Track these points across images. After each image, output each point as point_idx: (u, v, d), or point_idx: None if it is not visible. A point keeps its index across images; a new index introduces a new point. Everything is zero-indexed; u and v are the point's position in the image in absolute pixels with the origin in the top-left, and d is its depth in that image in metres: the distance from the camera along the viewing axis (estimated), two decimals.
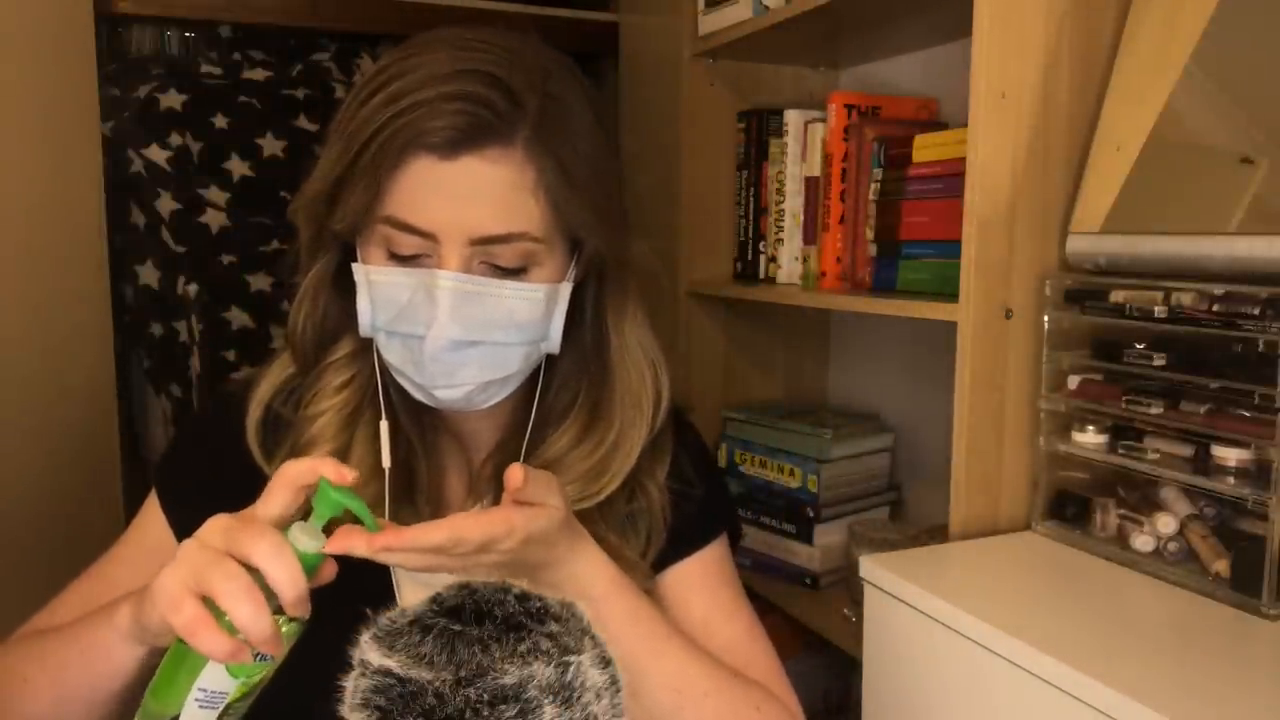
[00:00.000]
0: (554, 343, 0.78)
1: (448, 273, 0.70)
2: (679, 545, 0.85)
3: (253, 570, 0.56)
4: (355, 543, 0.59)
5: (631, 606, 0.75)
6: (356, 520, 0.61)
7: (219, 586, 0.55)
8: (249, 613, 0.55)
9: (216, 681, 0.59)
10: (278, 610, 0.57)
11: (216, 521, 0.59)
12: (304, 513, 0.62)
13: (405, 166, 0.69)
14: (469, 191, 0.69)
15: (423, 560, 0.62)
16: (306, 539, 0.59)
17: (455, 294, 0.71)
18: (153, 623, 0.61)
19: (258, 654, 0.57)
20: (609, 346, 0.83)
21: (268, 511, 0.61)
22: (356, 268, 0.75)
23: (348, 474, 0.61)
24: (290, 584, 0.56)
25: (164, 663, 0.60)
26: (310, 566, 0.58)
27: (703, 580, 0.87)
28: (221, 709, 0.60)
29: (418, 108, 0.67)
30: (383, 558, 0.61)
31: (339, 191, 0.71)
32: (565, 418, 0.82)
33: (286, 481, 0.61)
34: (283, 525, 0.60)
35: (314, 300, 0.79)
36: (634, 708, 0.72)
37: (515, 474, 0.64)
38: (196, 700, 0.59)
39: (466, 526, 0.62)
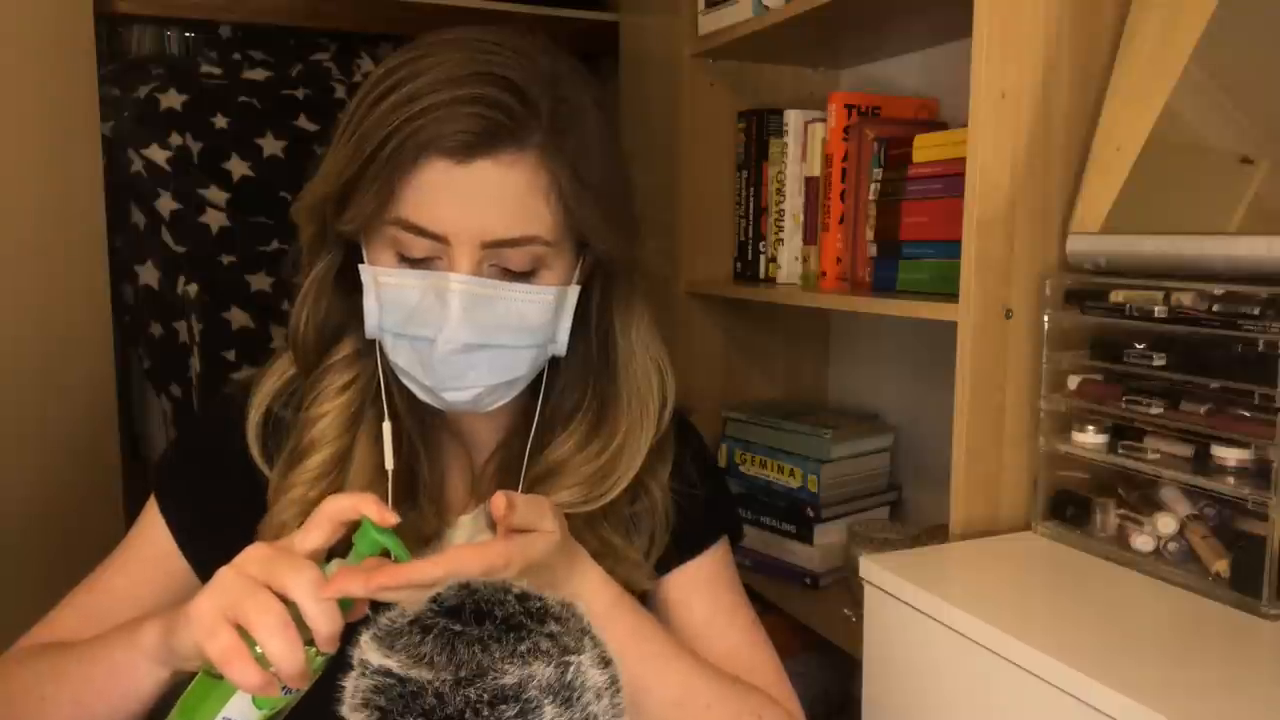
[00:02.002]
0: (561, 345, 0.78)
1: (459, 275, 0.70)
2: (682, 548, 0.86)
3: (288, 603, 0.56)
4: (351, 585, 0.59)
5: (634, 624, 0.75)
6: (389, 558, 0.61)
7: (255, 618, 0.55)
8: (284, 648, 0.55)
9: (242, 712, 0.59)
10: (307, 643, 0.57)
11: (255, 550, 0.59)
12: (342, 547, 0.62)
13: (419, 169, 0.68)
14: (482, 195, 0.69)
15: (420, 596, 0.62)
16: None
17: (466, 297, 0.70)
18: (184, 646, 0.60)
19: (284, 686, 0.57)
20: (616, 349, 0.82)
21: (305, 544, 0.61)
22: (364, 269, 0.74)
23: (391, 517, 0.61)
24: (326, 621, 0.56)
25: (191, 688, 0.60)
26: (345, 604, 0.58)
27: (705, 584, 0.87)
28: None
29: (432, 110, 0.67)
30: (381, 596, 0.61)
31: (349, 193, 0.71)
32: (571, 420, 0.82)
33: (328, 516, 0.61)
34: (318, 558, 0.61)
35: (316, 300, 0.79)
36: None
37: (499, 503, 0.64)
38: None
39: (464, 560, 0.62)
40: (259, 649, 0.55)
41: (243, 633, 0.56)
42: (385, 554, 0.62)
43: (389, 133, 0.67)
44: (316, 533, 0.61)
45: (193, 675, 0.61)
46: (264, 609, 0.55)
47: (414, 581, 0.60)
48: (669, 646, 0.77)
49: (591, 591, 0.72)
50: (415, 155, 0.68)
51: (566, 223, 0.73)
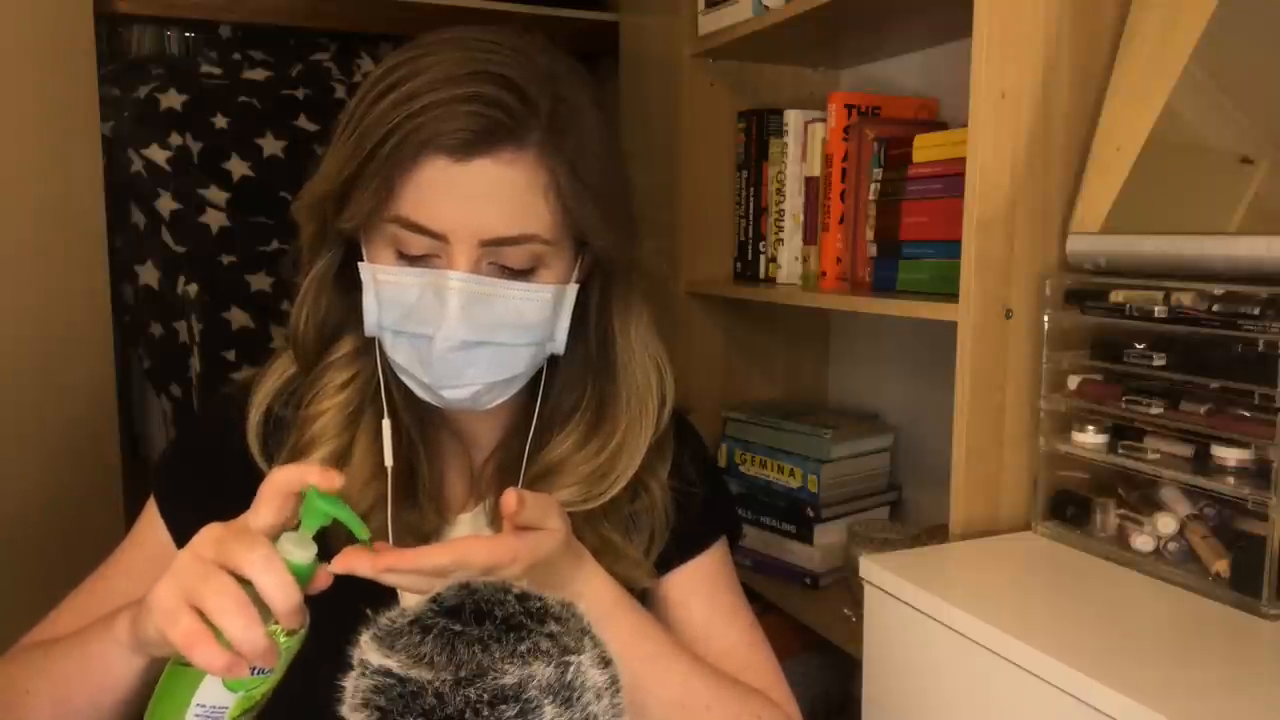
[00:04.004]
0: (560, 344, 0.78)
1: (458, 273, 0.70)
2: (682, 547, 0.86)
3: (246, 582, 0.56)
4: (358, 563, 0.59)
5: (635, 624, 0.75)
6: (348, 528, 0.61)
7: (211, 602, 0.55)
8: (241, 627, 0.54)
9: (215, 696, 0.58)
10: (276, 621, 0.56)
11: (209, 532, 0.59)
12: (299, 519, 0.61)
13: (419, 168, 0.69)
14: (481, 193, 0.69)
15: (425, 583, 0.61)
16: (296, 549, 0.58)
17: (465, 295, 0.71)
18: (150, 634, 0.60)
19: (255, 667, 0.56)
20: (615, 348, 0.83)
21: (259, 521, 0.60)
22: (363, 267, 0.74)
23: (336, 479, 0.60)
24: (282, 596, 0.56)
25: (163, 678, 0.60)
26: (303, 576, 0.58)
27: (704, 584, 0.87)
28: None
29: (432, 109, 0.67)
30: (386, 578, 0.61)
31: (349, 191, 0.71)
32: (570, 419, 0.82)
33: (275, 490, 0.61)
34: (275, 533, 0.60)
35: (315, 299, 0.79)
36: None
37: (510, 500, 0.64)
38: (196, 715, 0.59)
39: (472, 550, 0.62)
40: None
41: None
42: (337, 524, 0.61)
43: (389, 130, 0.68)
44: (266, 509, 0.61)
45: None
46: (219, 591, 0.55)
47: (421, 566, 0.61)
48: (670, 646, 0.77)
49: (594, 591, 0.72)
50: (415, 153, 0.68)
51: (565, 221, 0.73)
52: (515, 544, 0.64)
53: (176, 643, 0.55)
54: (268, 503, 0.61)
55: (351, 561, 0.59)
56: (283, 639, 0.57)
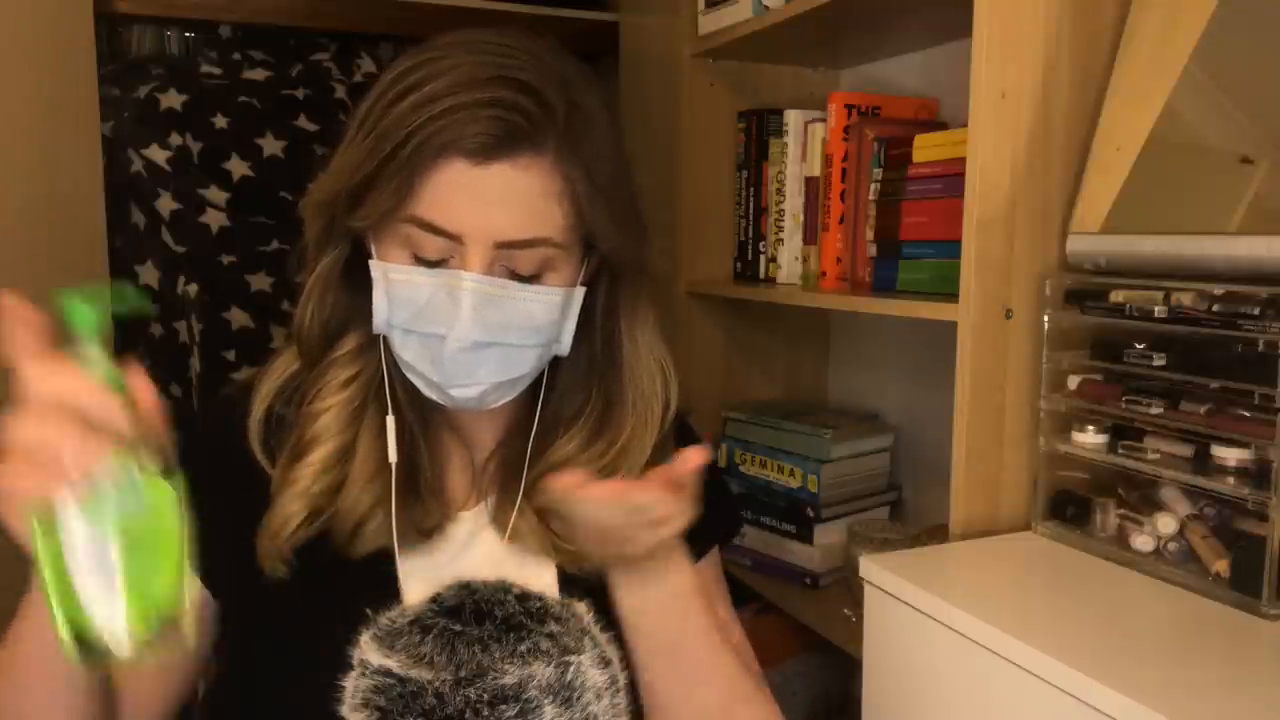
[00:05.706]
0: (565, 345, 0.79)
1: (472, 275, 0.71)
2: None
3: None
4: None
5: (707, 605, 0.76)
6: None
7: (20, 446, 0.51)
8: (49, 434, 0.51)
9: (85, 536, 0.53)
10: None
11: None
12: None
13: (438, 170, 0.69)
14: (499, 197, 0.70)
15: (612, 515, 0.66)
16: (96, 360, 0.55)
17: (478, 296, 0.71)
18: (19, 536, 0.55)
19: (115, 500, 0.52)
20: (621, 351, 0.83)
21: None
22: (374, 265, 0.75)
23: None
24: (98, 404, 0.53)
25: (41, 576, 0.55)
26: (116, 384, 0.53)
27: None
28: (119, 571, 0.53)
29: (454, 112, 0.68)
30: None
31: (364, 190, 0.71)
32: (575, 421, 0.82)
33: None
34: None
35: (321, 295, 0.79)
36: (684, 710, 0.72)
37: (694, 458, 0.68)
38: (83, 568, 0.53)
39: (663, 497, 0.67)
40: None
41: (44, 524, 0.52)
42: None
43: (409, 132, 0.68)
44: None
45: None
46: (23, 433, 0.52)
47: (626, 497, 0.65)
48: (721, 636, 0.79)
49: (689, 567, 0.74)
50: (435, 155, 0.69)
51: (577, 225, 0.74)
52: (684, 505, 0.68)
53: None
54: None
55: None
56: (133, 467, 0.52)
